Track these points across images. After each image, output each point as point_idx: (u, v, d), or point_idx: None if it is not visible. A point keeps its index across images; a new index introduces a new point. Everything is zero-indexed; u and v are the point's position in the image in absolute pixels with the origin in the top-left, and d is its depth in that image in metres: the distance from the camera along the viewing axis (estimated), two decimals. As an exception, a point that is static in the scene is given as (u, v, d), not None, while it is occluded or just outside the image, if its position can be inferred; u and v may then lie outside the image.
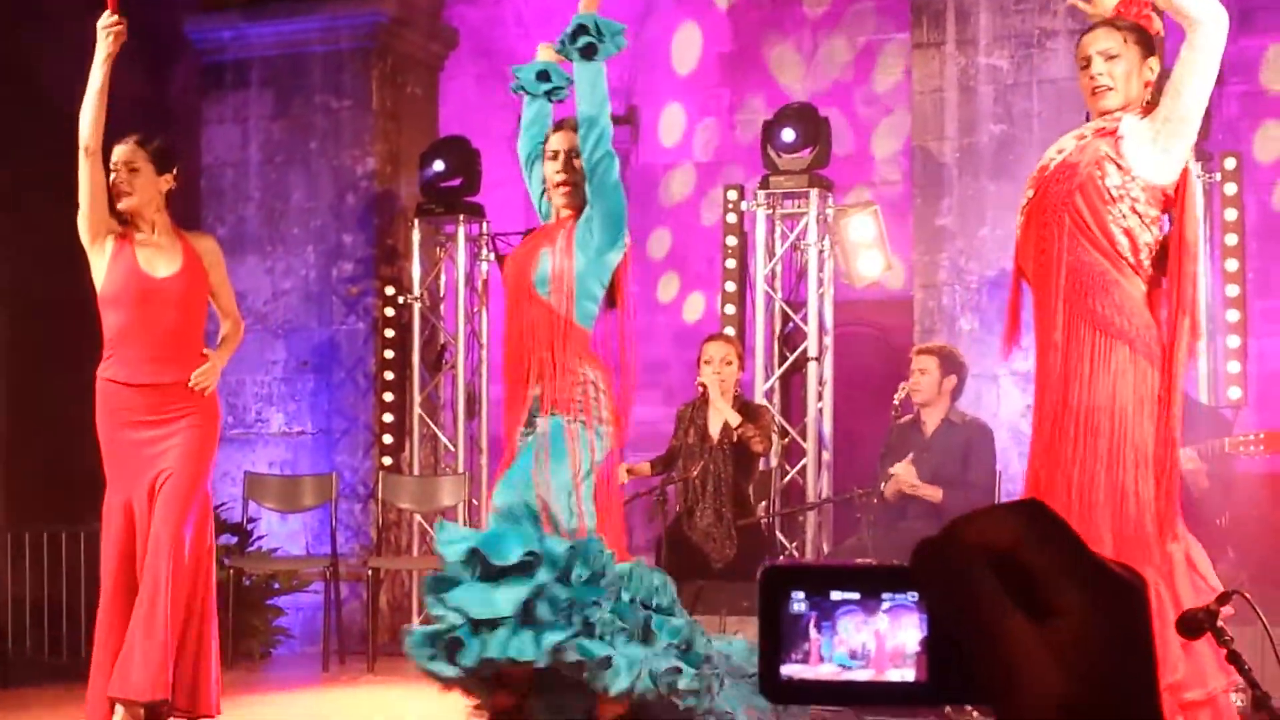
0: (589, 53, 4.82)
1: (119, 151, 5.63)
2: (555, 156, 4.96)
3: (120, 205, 5.60)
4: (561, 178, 4.94)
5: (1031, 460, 4.42)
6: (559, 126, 5.02)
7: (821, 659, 0.84)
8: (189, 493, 5.51)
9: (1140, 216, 4.24)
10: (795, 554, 8.49)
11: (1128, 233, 4.23)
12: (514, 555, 4.64)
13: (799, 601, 0.85)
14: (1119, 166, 4.24)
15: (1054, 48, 8.55)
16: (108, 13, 5.55)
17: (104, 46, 5.54)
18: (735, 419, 7.39)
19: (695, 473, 7.33)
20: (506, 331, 5.03)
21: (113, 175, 5.61)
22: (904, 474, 7.29)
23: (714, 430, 7.43)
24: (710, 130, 11.24)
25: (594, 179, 4.85)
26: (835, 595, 0.85)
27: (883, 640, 0.84)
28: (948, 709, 4.42)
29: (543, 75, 5.12)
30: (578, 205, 4.94)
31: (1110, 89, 4.30)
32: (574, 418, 4.81)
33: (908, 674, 0.83)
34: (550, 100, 5.17)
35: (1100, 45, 4.32)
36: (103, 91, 5.53)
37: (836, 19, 10.94)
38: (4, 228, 9.27)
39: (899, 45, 10.11)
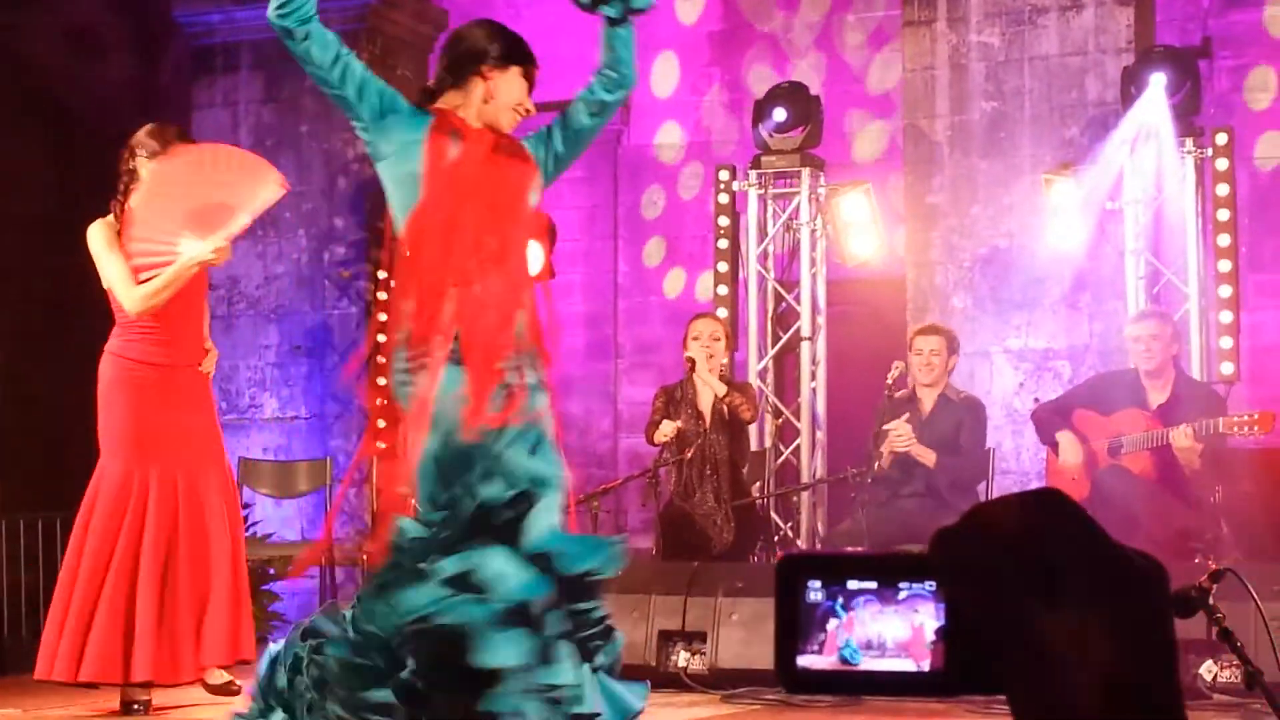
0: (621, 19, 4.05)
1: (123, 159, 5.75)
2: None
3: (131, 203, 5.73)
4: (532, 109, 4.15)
5: None
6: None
7: (838, 648, 0.84)
8: (228, 469, 5.90)
9: None
10: (790, 534, 8.49)
11: None
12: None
13: (815, 590, 0.85)
14: None
15: (1045, 24, 8.54)
16: (218, 238, 5.55)
17: (201, 255, 5.56)
18: (722, 389, 7.36)
19: (690, 454, 7.29)
20: (465, 246, 3.92)
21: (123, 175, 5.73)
22: (901, 431, 7.22)
23: (704, 407, 7.40)
24: (701, 110, 11.22)
25: (590, 133, 4.16)
26: (852, 584, 0.84)
27: (900, 629, 0.84)
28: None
29: None
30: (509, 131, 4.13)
31: None
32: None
33: (925, 663, 0.83)
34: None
35: None
36: (177, 284, 5.58)
37: (826, -3, 10.91)
38: (-4, 214, 9.25)
39: (890, 22, 10.09)
